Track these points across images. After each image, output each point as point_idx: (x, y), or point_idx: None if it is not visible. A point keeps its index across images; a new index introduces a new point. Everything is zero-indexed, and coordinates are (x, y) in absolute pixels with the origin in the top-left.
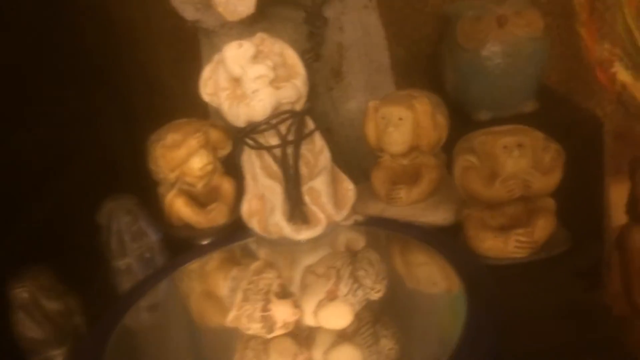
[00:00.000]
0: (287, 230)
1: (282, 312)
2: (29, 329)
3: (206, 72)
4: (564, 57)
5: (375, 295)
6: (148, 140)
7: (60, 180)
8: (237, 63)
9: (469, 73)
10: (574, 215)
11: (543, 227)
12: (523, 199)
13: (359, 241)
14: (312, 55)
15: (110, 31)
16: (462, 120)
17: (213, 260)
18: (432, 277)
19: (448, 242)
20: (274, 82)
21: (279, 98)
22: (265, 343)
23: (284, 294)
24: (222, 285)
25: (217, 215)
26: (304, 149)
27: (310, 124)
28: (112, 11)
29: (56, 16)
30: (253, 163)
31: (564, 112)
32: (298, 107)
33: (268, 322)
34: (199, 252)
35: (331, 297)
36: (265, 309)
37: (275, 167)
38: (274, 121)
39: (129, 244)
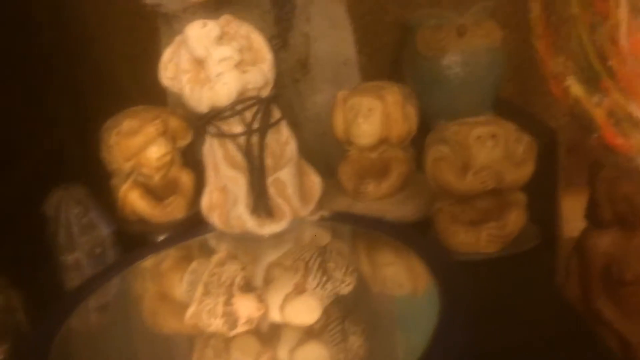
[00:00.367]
0: (250, 223)
1: (246, 307)
2: None
3: (166, 55)
4: (520, 70)
5: (346, 289)
6: (101, 128)
7: (4, 169)
8: (200, 43)
9: (429, 81)
10: None
11: (515, 221)
12: (494, 193)
13: (325, 238)
14: (279, 41)
15: (62, 25)
16: (421, 129)
17: (169, 257)
18: (402, 273)
19: (418, 237)
20: (240, 66)
21: (244, 82)
22: (227, 341)
23: (248, 287)
24: (178, 284)
25: (174, 209)
26: (270, 139)
27: (276, 113)
28: (65, 6)
29: (6, 9)
30: (215, 152)
31: (519, 123)
32: (264, 93)
33: (231, 318)
34: (155, 248)
35: (299, 290)
36: (227, 303)
37: (239, 157)
38: (239, 107)
39: (78, 237)
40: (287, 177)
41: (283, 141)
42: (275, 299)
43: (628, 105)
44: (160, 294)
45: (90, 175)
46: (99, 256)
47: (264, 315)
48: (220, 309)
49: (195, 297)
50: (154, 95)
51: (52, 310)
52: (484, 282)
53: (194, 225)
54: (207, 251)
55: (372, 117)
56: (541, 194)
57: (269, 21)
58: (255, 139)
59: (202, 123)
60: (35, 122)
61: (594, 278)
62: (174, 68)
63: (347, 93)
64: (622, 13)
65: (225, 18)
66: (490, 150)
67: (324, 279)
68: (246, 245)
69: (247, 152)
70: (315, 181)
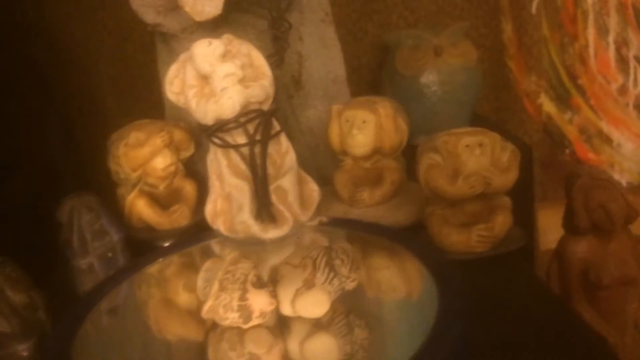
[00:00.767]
0: (255, 229)
1: (260, 302)
2: None
3: (172, 71)
4: (495, 88)
5: (351, 285)
6: (108, 141)
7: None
8: (206, 60)
9: (408, 99)
10: None
11: (502, 223)
12: (482, 197)
13: (325, 242)
14: (276, 59)
15: (56, 50)
16: None
17: (178, 260)
18: (401, 272)
19: (414, 239)
20: (243, 82)
21: (247, 97)
22: (241, 334)
23: (260, 284)
24: (182, 290)
25: (179, 217)
26: (271, 149)
27: (276, 125)
28: (56, 30)
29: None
30: (219, 162)
31: None
32: (265, 107)
33: (245, 312)
34: (163, 253)
35: (308, 285)
36: (242, 298)
37: (242, 166)
38: (242, 120)
39: (90, 242)
40: (288, 185)
41: (283, 151)
42: (286, 294)
43: (598, 122)
44: (171, 296)
45: (95, 186)
46: (111, 260)
47: (275, 310)
48: (235, 303)
49: (211, 293)
50: (154, 110)
51: (70, 311)
52: (475, 279)
53: (197, 231)
54: (206, 257)
55: (367, 128)
56: (516, 207)
57: (264, 40)
58: (257, 149)
59: (207, 134)
60: (46, 136)
61: (573, 282)
62: (179, 83)
63: (341, 107)
64: (590, 34)
65: (227, 37)
66: (478, 158)
67: (331, 275)
68: (249, 249)
69: (250, 161)
70: (313, 189)
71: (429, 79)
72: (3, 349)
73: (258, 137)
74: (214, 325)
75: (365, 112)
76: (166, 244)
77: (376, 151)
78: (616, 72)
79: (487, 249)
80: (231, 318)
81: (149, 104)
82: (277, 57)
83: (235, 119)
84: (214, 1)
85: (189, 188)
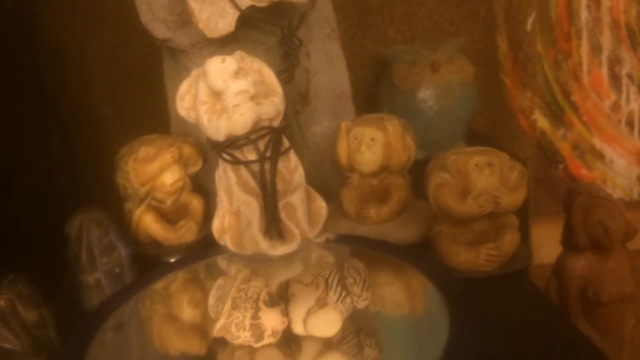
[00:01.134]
0: (264, 245)
1: (272, 320)
2: (6, 339)
3: (184, 87)
4: (490, 104)
5: (362, 304)
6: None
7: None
8: (219, 77)
9: (405, 113)
10: None
11: (510, 242)
12: (490, 216)
13: (333, 259)
14: (287, 75)
15: (54, 61)
16: None
17: (185, 276)
18: (410, 290)
19: (422, 257)
20: (255, 98)
21: (259, 113)
22: (252, 353)
23: (272, 302)
24: (186, 306)
25: (186, 232)
26: (280, 166)
27: (285, 142)
28: (53, 41)
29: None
30: (229, 178)
31: None
32: (275, 124)
33: (257, 331)
34: (170, 269)
35: (321, 304)
36: (254, 317)
37: (252, 183)
38: (253, 136)
39: (98, 258)
40: (296, 202)
41: (292, 168)
42: (298, 312)
43: (591, 138)
44: (171, 316)
45: (103, 199)
46: (118, 276)
47: (287, 329)
48: (248, 322)
49: (223, 311)
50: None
51: (78, 329)
52: (482, 297)
53: (204, 247)
54: (213, 273)
55: (375, 146)
56: None
57: (273, 57)
58: (267, 166)
59: (217, 150)
60: (46, 148)
61: (571, 299)
62: (191, 99)
63: (350, 124)
64: (584, 51)
65: (239, 54)
66: (488, 177)
67: (344, 293)
68: (256, 265)
69: (260, 178)
70: (321, 205)
71: (426, 94)
72: None
73: (268, 154)
74: (224, 343)
75: (374, 129)
76: (172, 260)
77: (384, 168)
78: (609, 89)
79: (495, 267)
80: (243, 337)
81: (147, 114)
82: (287, 73)
83: (247, 136)
84: (227, 19)
85: (195, 203)
